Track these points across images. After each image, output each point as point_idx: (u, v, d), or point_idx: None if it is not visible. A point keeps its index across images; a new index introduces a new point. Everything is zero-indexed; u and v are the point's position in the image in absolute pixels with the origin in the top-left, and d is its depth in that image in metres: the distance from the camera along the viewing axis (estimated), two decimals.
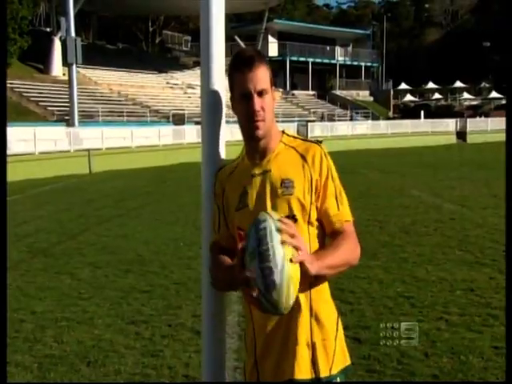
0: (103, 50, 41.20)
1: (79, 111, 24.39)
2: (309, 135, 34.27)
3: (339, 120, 40.62)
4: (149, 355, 4.14)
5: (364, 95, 52.71)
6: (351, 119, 41.99)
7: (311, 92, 48.90)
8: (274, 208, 1.69)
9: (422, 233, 8.28)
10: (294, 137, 1.84)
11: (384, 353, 4.07)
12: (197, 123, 27.66)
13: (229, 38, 44.72)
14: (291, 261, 1.52)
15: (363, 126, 37.62)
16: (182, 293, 5.62)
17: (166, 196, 13.40)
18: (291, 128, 34.20)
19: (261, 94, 1.71)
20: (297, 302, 1.64)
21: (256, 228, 1.55)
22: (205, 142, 1.96)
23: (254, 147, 1.79)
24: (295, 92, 47.18)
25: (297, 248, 1.55)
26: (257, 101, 1.70)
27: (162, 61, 41.79)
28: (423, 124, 38.78)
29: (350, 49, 54.79)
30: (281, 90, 46.19)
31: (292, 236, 1.55)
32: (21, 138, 20.00)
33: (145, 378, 3.80)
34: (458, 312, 4.88)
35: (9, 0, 27.97)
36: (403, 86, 54.55)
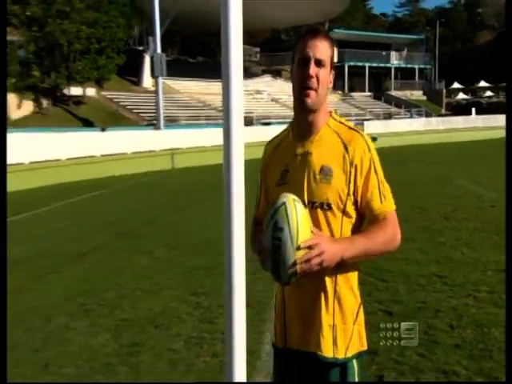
0: (185, 63, 42.18)
1: (165, 116, 25.15)
2: (365, 132, 33.54)
3: (393, 118, 39.47)
4: (206, 321, 4.26)
5: (418, 95, 50.84)
6: (410, 117, 40.64)
7: (368, 93, 47.75)
8: (311, 192, 1.58)
9: (461, 219, 7.94)
10: (341, 122, 1.68)
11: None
12: (264, 124, 27.77)
13: (292, 48, 44.52)
14: (299, 248, 1.44)
15: (416, 123, 36.36)
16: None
17: None
18: None
19: (319, 63, 1.57)
20: (323, 286, 1.61)
21: (271, 209, 1.49)
22: (226, 137, 2.00)
23: (302, 121, 1.65)
24: (353, 94, 46.24)
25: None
26: (313, 67, 1.56)
27: None
28: (474, 120, 36.97)
29: (404, 53, 52.93)
30: (339, 92, 45.47)
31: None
32: (117, 140, 20.93)
33: (201, 340, 3.92)
34: (487, 290, 4.67)
35: (108, 25, 29.19)
36: (456, 85, 52.11)
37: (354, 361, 1.65)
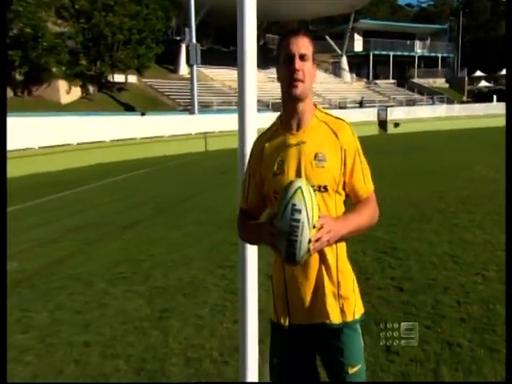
0: (219, 52, 41.88)
1: (199, 102, 25.13)
2: (388, 118, 32.85)
3: (416, 105, 38.44)
4: (229, 292, 4.32)
5: (440, 82, 49.22)
6: (433, 103, 39.46)
7: (391, 81, 46.51)
8: (308, 178, 1.61)
9: (476, 202, 7.76)
10: (326, 113, 1.73)
11: (421, 300, 3.96)
12: None
13: (319, 37, 43.69)
14: (314, 227, 1.48)
15: (439, 109, 35.26)
16: (262, 246, 5.75)
17: None
18: (373, 112, 33.09)
19: (302, 57, 1.61)
20: (326, 261, 1.65)
21: (287, 193, 1.50)
22: (241, 125, 2.02)
23: (291, 112, 1.67)
24: (377, 81, 45.12)
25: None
26: (298, 62, 1.61)
27: (265, 59, 41.64)
28: (495, 107, 35.52)
29: (428, 42, 51.15)
30: (364, 79, 44.49)
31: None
32: (156, 124, 21.13)
33: (224, 308, 3.99)
34: (495, 269, 4.59)
35: (148, 17, 29.26)
36: (478, 73, 50.18)
37: (358, 324, 1.72)
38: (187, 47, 26.00)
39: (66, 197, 10.39)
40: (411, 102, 39.65)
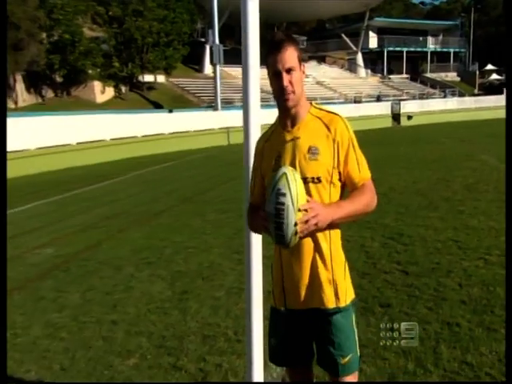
0: (241, 52, 41.77)
1: (222, 99, 25.11)
2: (401, 111, 32.21)
3: (429, 98, 37.54)
4: (244, 276, 4.34)
5: (452, 76, 47.92)
6: (444, 96, 38.46)
7: (405, 75, 45.51)
8: (302, 170, 1.61)
9: (482, 190, 7.56)
10: (320, 108, 1.71)
11: (424, 282, 3.91)
12: None
13: (335, 35, 43.01)
14: (299, 210, 1.47)
15: (450, 102, 34.34)
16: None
17: None
18: (386, 106, 32.48)
19: (289, 71, 1.60)
20: (320, 248, 1.63)
21: (274, 179, 1.52)
22: (246, 120, 2.00)
23: (286, 115, 1.69)
24: (391, 76, 44.24)
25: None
26: (285, 77, 1.60)
27: None
28: (505, 99, 34.43)
29: (440, 38, 49.75)
30: (379, 74, 43.65)
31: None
32: (182, 120, 21.24)
33: (239, 291, 4.01)
34: (498, 254, 4.48)
35: (175, 20, 29.33)
36: (489, 66, 48.61)
37: (352, 308, 1.70)
38: (211, 48, 25.99)
39: (99, 188, 10.57)
40: (424, 96, 38.75)
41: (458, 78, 47.91)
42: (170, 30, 28.96)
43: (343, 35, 42.04)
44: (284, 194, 1.46)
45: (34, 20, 21.51)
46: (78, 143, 16.79)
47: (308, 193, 1.57)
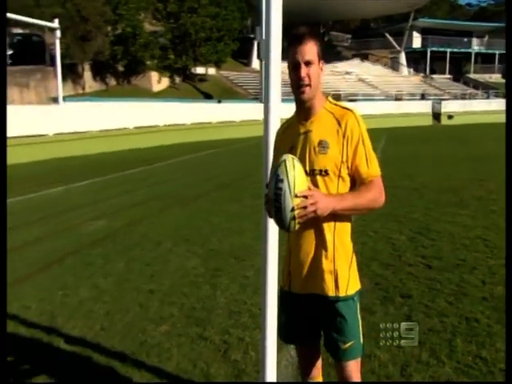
0: (283, 48, 41.26)
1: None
2: (442, 110, 30.84)
3: (471, 99, 35.64)
4: None
5: (496, 77, 45.08)
6: (488, 97, 36.40)
7: (448, 76, 43.35)
8: (311, 162, 1.58)
9: None
10: (335, 104, 1.65)
11: (447, 277, 3.73)
12: (350, 100, 26.62)
13: (379, 35, 41.48)
14: (297, 196, 1.44)
15: (494, 103, 32.45)
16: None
17: None
18: (428, 104, 31.19)
19: (307, 64, 1.56)
20: (323, 237, 1.58)
21: (275, 166, 1.51)
22: (266, 113, 1.96)
23: (301, 108, 1.65)
24: (434, 76, 42.26)
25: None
26: (303, 69, 1.56)
27: (328, 54, 40.40)
28: None
29: (485, 39, 46.86)
30: (421, 74, 41.85)
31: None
32: (230, 110, 21.37)
33: None
34: None
35: (226, 17, 29.37)
36: None
37: (355, 298, 1.64)
38: (258, 44, 25.83)
39: (148, 170, 10.86)
40: (466, 96, 36.83)
41: (503, 80, 45.09)
42: (221, 26, 29.06)
43: (387, 34, 40.47)
44: (282, 180, 1.45)
45: (101, 14, 22.15)
46: (134, 127, 17.28)
47: (315, 184, 1.55)
